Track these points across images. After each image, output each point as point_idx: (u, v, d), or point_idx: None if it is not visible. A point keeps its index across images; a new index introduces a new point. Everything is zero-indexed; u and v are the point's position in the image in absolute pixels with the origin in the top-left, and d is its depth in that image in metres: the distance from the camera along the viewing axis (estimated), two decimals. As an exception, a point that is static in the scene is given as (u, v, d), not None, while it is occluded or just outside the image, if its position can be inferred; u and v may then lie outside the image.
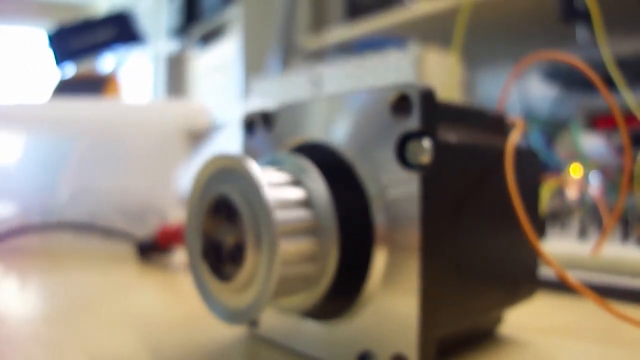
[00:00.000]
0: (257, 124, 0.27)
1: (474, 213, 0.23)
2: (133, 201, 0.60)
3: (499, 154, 0.24)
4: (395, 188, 0.21)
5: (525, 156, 0.26)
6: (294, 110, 0.25)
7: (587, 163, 0.52)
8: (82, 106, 0.66)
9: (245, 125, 0.28)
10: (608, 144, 0.62)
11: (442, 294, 0.21)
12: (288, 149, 0.25)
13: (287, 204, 0.21)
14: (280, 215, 0.20)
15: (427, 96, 0.20)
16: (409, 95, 0.21)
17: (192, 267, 0.23)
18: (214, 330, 0.29)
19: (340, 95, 0.23)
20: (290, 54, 1.85)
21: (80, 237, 0.55)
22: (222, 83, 2.23)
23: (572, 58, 0.29)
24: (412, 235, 0.20)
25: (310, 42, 1.82)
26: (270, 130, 0.26)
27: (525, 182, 0.25)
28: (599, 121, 1.07)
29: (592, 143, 0.64)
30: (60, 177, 0.61)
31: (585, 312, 0.33)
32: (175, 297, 0.39)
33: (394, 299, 0.21)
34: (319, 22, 2.01)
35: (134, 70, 2.94)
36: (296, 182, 0.22)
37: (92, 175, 0.61)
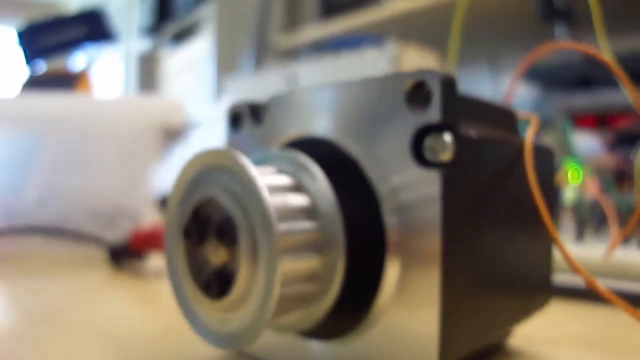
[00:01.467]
0: (244, 117, 0.24)
1: (494, 216, 0.21)
2: (104, 202, 0.58)
3: (518, 151, 0.22)
4: (410, 189, 0.18)
5: (541, 154, 0.24)
6: (287, 101, 0.22)
7: (583, 162, 0.50)
8: (50, 101, 0.63)
9: (231, 118, 0.25)
10: (602, 142, 0.61)
11: (465, 308, 0.19)
12: (280, 146, 0.22)
13: (289, 214, 0.18)
14: (282, 227, 0.17)
15: (449, 84, 0.18)
16: (427, 83, 0.18)
17: (173, 281, 0.20)
18: (195, 346, 0.26)
19: (343, 83, 0.20)
20: (263, 53, 1.83)
21: (49, 242, 0.53)
22: (195, 82, 2.20)
23: (590, 48, 0.27)
24: (431, 242, 0.18)
25: (284, 40, 1.80)
26: (259, 124, 0.24)
27: (543, 182, 0.23)
28: (578, 120, 1.07)
29: (585, 141, 0.62)
30: (28, 178, 0.58)
31: (598, 320, 0.31)
32: (150, 308, 0.37)
33: (410, 315, 0.18)
34: (293, 21, 1.99)
35: (105, 68, 2.90)
36: (298, 187, 0.19)
37: (61, 175, 0.59)
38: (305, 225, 0.18)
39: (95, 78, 1.12)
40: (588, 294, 0.31)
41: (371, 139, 0.19)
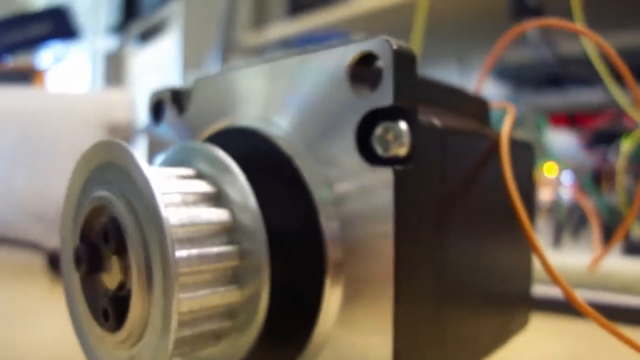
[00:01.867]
0: (166, 106, 0.20)
1: (463, 222, 0.17)
2: (49, 205, 0.54)
3: (492, 145, 0.18)
4: (356, 192, 0.14)
5: (518, 149, 0.20)
6: (214, 85, 0.19)
7: (560, 161, 0.47)
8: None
9: (151, 107, 0.21)
10: (578, 141, 0.58)
11: (426, 334, 0.15)
12: (205, 139, 0.18)
13: (187, 201, 0.14)
14: (176, 215, 0.13)
15: (406, 58, 0.14)
16: (377, 56, 0.14)
17: (72, 318, 0.16)
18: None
19: (278, 59, 0.17)
20: (230, 51, 1.80)
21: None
22: (161, 81, 2.17)
23: (574, 26, 0.23)
24: (382, 254, 0.14)
25: (251, 38, 1.78)
26: (183, 113, 0.20)
27: (521, 181, 0.19)
28: (550, 119, 1.05)
29: (560, 140, 0.59)
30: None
31: (580, 337, 0.28)
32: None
33: (358, 340, 0.15)
34: (260, 18, 1.97)
35: (73, 67, 2.86)
36: (200, 176, 0.15)
37: (3, 175, 0.54)
38: (212, 213, 0.14)
39: (62, 76, 1.13)
40: (569, 307, 0.28)
41: (310, 129, 0.16)
